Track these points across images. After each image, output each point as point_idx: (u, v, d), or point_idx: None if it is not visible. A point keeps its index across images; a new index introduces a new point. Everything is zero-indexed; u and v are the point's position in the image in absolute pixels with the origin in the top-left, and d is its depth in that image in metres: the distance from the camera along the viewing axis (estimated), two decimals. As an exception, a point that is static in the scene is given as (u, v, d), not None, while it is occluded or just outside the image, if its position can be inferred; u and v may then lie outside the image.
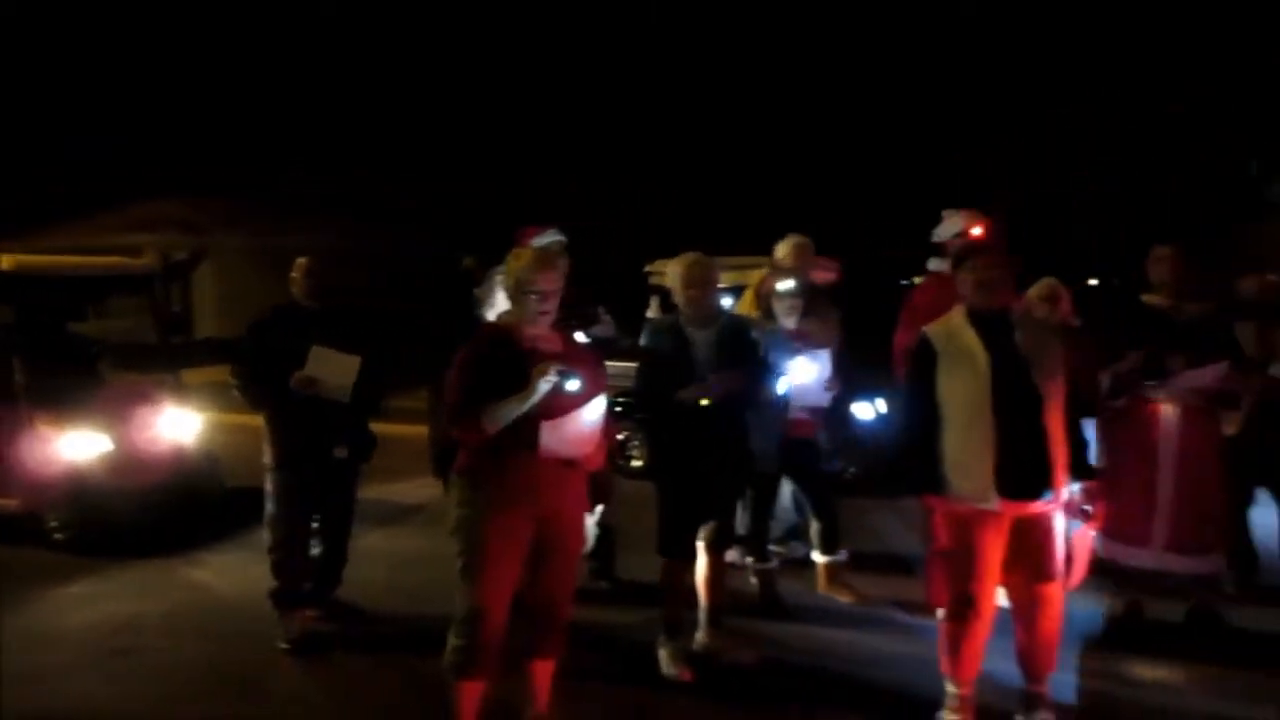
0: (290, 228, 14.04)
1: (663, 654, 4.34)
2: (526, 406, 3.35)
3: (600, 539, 5.41)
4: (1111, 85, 18.47)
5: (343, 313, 4.90)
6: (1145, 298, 4.72)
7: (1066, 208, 18.13)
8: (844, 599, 5.20)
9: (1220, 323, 4.69)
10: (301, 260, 4.85)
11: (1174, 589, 4.72)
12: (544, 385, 3.34)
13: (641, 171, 19.50)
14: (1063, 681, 4.03)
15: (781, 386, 4.82)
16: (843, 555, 5.29)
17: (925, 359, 3.67)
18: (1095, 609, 4.78)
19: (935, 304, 4.21)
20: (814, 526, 5.29)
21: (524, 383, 3.35)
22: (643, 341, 4.44)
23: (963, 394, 3.57)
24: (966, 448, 3.56)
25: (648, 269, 8.78)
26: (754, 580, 5.20)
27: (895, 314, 5.18)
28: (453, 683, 3.53)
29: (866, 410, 7.46)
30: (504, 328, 3.57)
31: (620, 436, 5.51)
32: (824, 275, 8.63)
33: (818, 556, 5.29)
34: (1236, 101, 17.14)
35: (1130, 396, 4.53)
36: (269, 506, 4.75)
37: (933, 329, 3.75)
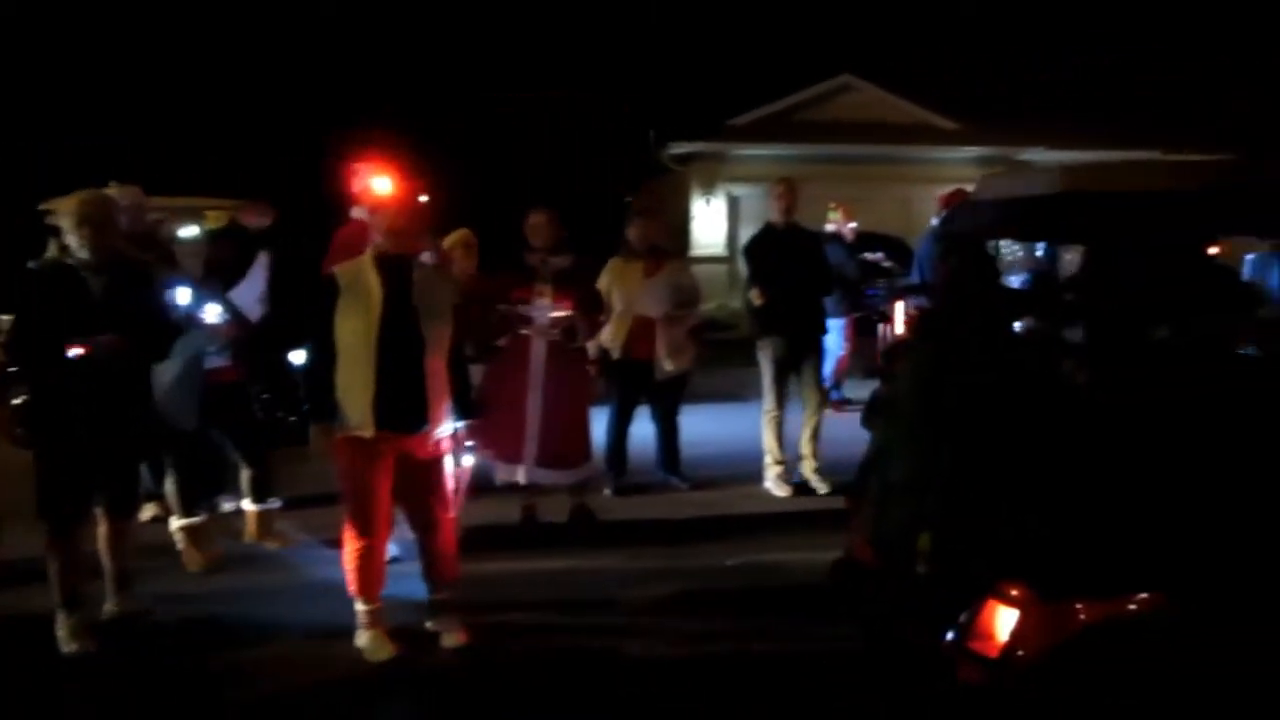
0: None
1: (61, 632, 3.98)
2: None
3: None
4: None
5: None
6: (527, 254, 5.41)
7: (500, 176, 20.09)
8: (272, 546, 5.24)
9: (580, 271, 5.56)
10: None
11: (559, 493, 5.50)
12: None
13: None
14: (473, 582, 4.45)
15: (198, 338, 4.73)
16: (275, 503, 5.32)
17: (328, 295, 3.83)
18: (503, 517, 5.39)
19: (353, 244, 4.41)
20: (244, 474, 5.24)
21: None
22: (24, 287, 3.98)
23: (354, 330, 3.79)
24: (352, 380, 3.79)
25: (43, 207, 7.69)
26: (178, 539, 4.99)
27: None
28: None
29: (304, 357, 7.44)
30: None
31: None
32: (257, 220, 8.34)
33: (248, 505, 5.26)
34: (637, 83, 20.07)
35: (509, 336, 5.20)
36: None
37: (341, 268, 3.93)
